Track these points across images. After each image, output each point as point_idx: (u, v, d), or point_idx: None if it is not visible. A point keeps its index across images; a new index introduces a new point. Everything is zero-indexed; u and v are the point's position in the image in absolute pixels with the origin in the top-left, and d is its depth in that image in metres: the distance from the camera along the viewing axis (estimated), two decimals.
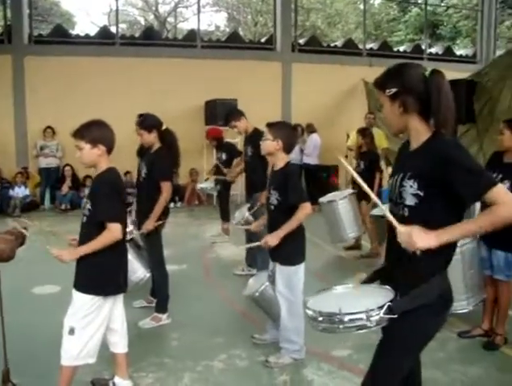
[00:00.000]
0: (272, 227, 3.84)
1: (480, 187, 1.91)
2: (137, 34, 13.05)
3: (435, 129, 2.09)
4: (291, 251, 3.70)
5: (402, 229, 2.00)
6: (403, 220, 2.09)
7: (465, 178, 1.92)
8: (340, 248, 7.32)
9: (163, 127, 4.60)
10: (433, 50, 15.03)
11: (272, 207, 3.78)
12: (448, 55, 14.29)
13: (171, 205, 11.13)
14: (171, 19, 25.16)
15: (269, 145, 3.79)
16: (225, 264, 6.64)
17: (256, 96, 11.12)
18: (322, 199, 6.69)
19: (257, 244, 3.91)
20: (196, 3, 19.77)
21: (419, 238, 1.92)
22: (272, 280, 3.89)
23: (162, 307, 4.69)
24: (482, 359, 4.01)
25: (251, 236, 5.63)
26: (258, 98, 11.08)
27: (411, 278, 2.08)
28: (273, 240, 3.65)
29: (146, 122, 4.57)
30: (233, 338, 4.36)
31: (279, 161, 3.81)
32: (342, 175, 10.76)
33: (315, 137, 10.86)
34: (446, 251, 2.07)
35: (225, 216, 7.64)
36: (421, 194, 2.04)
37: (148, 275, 4.45)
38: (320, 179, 10.63)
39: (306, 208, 3.65)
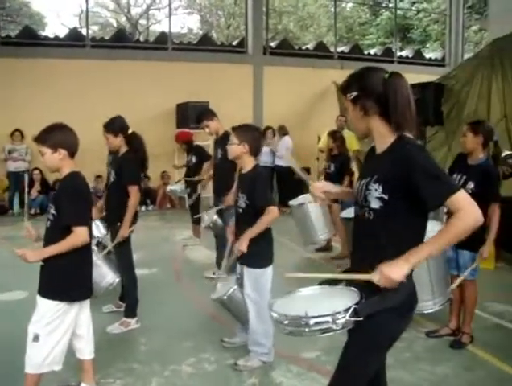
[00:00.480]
0: (241, 230, 3.83)
1: (442, 193, 1.93)
2: (108, 37, 12.92)
3: (397, 132, 2.11)
4: (258, 253, 3.69)
5: (375, 278, 1.97)
6: (368, 223, 2.12)
7: (428, 183, 1.94)
8: (311, 250, 7.35)
9: (130, 131, 4.56)
10: (403, 53, 15.21)
11: (240, 210, 3.78)
12: (418, 59, 14.49)
13: (143, 208, 11.17)
14: (143, 21, 25.01)
15: (235, 149, 3.78)
16: (195, 268, 6.61)
17: (227, 98, 11.11)
18: (292, 202, 6.72)
19: (233, 257, 3.87)
20: (168, 6, 19.79)
21: (392, 274, 1.92)
22: (240, 283, 3.88)
23: (131, 312, 4.64)
24: (449, 358, 4.06)
25: (221, 239, 5.63)
26: (229, 101, 11.07)
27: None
28: (242, 245, 3.64)
29: (112, 126, 4.53)
30: (203, 341, 4.34)
31: (247, 164, 3.80)
32: (314, 177, 10.81)
33: (287, 139, 10.90)
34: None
35: (196, 219, 7.60)
36: (385, 197, 2.05)
37: (118, 280, 4.41)
38: (291, 181, 10.64)
39: (273, 212, 3.65)
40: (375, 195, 2.08)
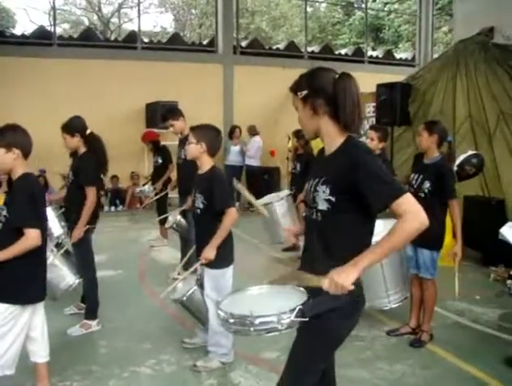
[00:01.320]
0: (199, 230, 3.82)
1: (387, 196, 1.94)
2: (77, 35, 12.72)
3: (345, 132, 2.12)
4: (218, 254, 3.67)
5: (325, 284, 1.96)
6: (316, 225, 2.13)
7: (374, 185, 1.95)
8: (277, 249, 7.36)
9: (88, 131, 4.51)
10: (374, 53, 15.33)
11: (198, 210, 3.75)
12: (389, 59, 14.61)
13: (112, 209, 11.05)
14: (115, 20, 24.73)
15: (193, 148, 3.76)
16: (161, 269, 6.55)
17: (198, 98, 11.06)
18: (259, 201, 6.69)
19: (197, 264, 3.84)
20: (140, 3, 19.59)
21: (342, 280, 1.91)
22: (200, 283, 3.86)
23: (91, 314, 4.59)
24: (408, 357, 4.11)
25: (185, 240, 5.61)
26: (199, 100, 11.03)
27: None
28: (209, 253, 3.62)
29: (69, 126, 4.46)
30: (163, 342, 4.31)
31: (204, 164, 3.78)
32: (284, 177, 10.84)
33: (257, 139, 10.91)
34: (356, 255, 2.09)
35: (163, 220, 7.55)
36: (332, 199, 2.06)
37: (77, 281, 4.39)
38: (261, 181, 10.67)
39: (232, 213, 3.64)
40: (323, 197, 2.08)
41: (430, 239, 4.07)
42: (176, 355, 4.09)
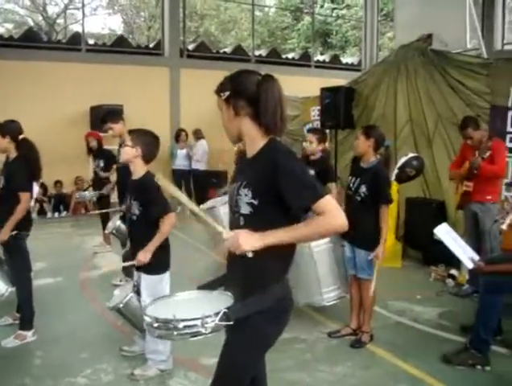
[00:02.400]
0: (135, 236, 3.75)
1: (308, 198, 1.94)
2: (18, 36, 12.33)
3: (266, 135, 2.10)
4: (154, 259, 3.60)
5: (227, 234, 1.99)
6: (239, 229, 2.08)
7: (294, 188, 1.95)
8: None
9: (22, 136, 4.36)
10: (321, 58, 15.53)
11: (134, 217, 3.65)
12: (335, 63, 14.81)
13: (56, 215, 10.76)
14: (61, 21, 24.12)
15: (127, 151, 3.67)
16: (104, 275, 6.41)
17: (143, 101, 10.93)
18: (203, 206, 6.64)
19: (131, 263, 3.76)
20: (87, 5, 19.20)
21: (243, 241, 1.92)
22: (137, 290, 3.78)
23: (26, 324, 4.42)
24: (348, 358, 4.14)
25: (125, 245, 5.49)
26: (145, 104, 10.90)
27: (248, 285, 2.09)
28: (145, 256, 3.55)
29: (1, 127, 4.31)
30: (102, 351, 4.20)
31: (138, 169, 3.69)
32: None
33: (204, 142, 10.85)
34: (281, 258, 2.10)
35: (106, 225, 7.39)
36: (255, 202, 2.04)
37: (10, 290, 4.23)
38: (208, 185, 10.60)
39: (170, 219, 3.58)
40: (245, 201, 2.06)
41: (366, 240, 4.14)
42: (114, 363, 3.98)
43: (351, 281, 4.46)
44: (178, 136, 10.94)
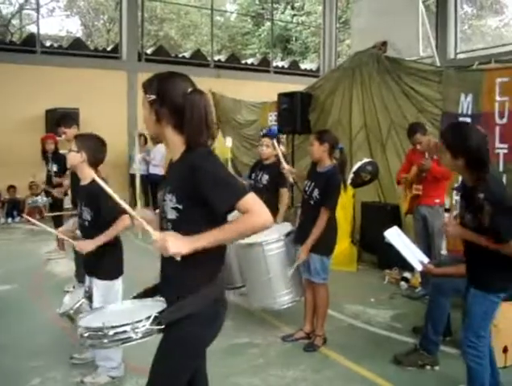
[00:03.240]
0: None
1: (230, 197, 1.95)
2: None
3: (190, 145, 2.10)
4: (107, 265, 3.57)
5: (156, 236, 1.99)
6: None
7: (216, 189, 1.96)
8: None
9: None
10: (280, 63, 15.64)
11: (86, 223, 3.60)
12: (294, 69, 14.93)
13: (9, 220, 10.49)
14: (16, 21, 23.56)
15: (73, 156, 3.61)
16: (57, 281, 6.28)
17: (101, 105, 10.78)
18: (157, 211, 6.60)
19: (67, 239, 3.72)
20: (44, 5, 18.84)
21: (172, 244, 1.92)
22: (89, 296, 3.71)
23: None
24: (301, 362, 4.16)
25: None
26: (102, 108, 10.75)
27: (179, 288, 2.09)
28: (88, 245, 3.51)
29: None
30: (52, 359, 4.11)
31: (86, 175, 3.63)
32: None
33: (161, 147, 10.75)
34: (211, 260, 2.10)
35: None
36: (180, 207, 2.04)
37: None
38: None
39: (124, 221, 3.53)
40: (170, 206, 2.07)
41: (319, 244, 4.17)
42: (64, 371, 3.90)
43: (305, 284, 4.49)
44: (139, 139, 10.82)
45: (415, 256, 4.23)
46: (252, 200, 1.96)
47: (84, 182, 3.65)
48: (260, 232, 1.97)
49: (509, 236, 2.93)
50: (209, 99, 2.15)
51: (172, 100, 2.07)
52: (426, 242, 5.55)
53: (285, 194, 5.26)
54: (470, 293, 3.23)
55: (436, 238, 5.43)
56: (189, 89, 2.08)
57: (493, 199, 2.91)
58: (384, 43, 7.60)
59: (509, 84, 5.49)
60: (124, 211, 3.58)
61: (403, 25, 7.64)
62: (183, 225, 2.03)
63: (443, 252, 5.55)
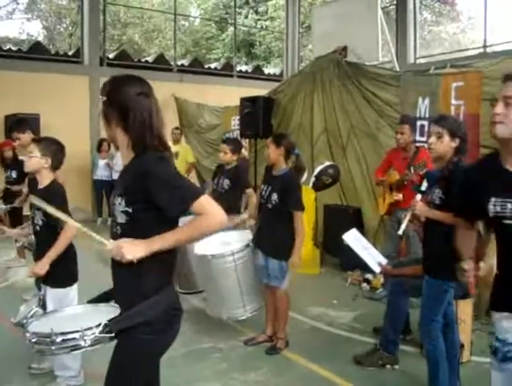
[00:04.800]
0: (40, 248, 3.63)
1: (182, 200, 1.96)
2: None
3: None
4: (59, 273, 3.50)
5: (110, 245, 1.99)
6: (118, 238, 2.07)
7: (166, 192, 1.95)
8: None
9: None
10: (243, 68, 15.67)
11: (38, 227, 3.55)
12: (258, 74, 14.98)
13: None
14: None
15: (36, 162, 3.55)
16: (16, 290, 6.15)
17: (62, 111, 10.59)
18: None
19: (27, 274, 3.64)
20: (2, 7, 18.42)
21: (127, 250, 1.92)
22: (42, 304, 3.64)
23: None
24: (263, 365, 4.18)
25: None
26: (64, 113, 10.57)
27: (131, 295, 2.07)
28: (41, 268, 3.45)
29: None
30: (9, 370, 4.01)
31: (45, 179, 3.58)
32: None
33: None
34: (162, 266, 2.09)
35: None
36: (129, 210, 2.03)
37: None
38: None
39: (67, 233, 3.44)
40: (120, 209, 2.06)
41: (278, 249, 4.19)
42: (22, 382, 3.83)
43: (265, 289, 4.50)
44: (100, 146, 10.70)
45: (373, 257, 4.32)
46: (206, 201, 1.96)
47: (41, 185, 3.59)
48: (215, 233, 1.98)
49: None
50: (157, 102, 2.13)
51: (120, 102, 2.06)
52: (395, 244, 5.61)
53: (251, 194, 5.25)
54: (424, 280, 3.44)
55: (412, 240, 5.35)
56: (138, 90, 2.08)
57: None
58: (344, 48, 7.71)
59: (465, 89, 5.65)
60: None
61: (363, 30, 7.75)
62: (133, 229, 2.02)
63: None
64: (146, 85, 2.14)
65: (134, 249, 1.93)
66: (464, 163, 3.32)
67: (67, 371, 3.64)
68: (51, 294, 3.56)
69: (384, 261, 4.29)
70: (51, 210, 2.08)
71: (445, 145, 3.33)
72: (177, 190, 1.97)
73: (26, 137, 5.37)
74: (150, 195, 1.96)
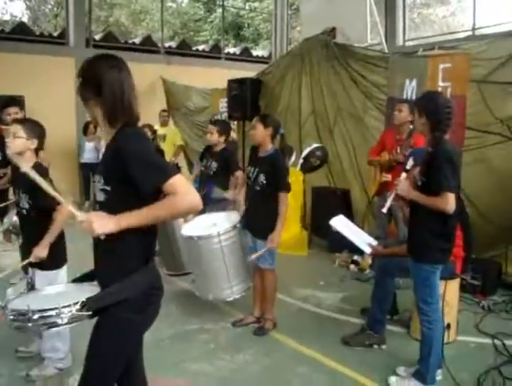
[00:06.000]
0: (27, 231, 3.60)
1: (156, 179, 1.93)
2: None
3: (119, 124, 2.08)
4: (49, 254, 3.46)
5: (81, 217, 1.96)
6: None
7: (141, 169, 1.93)
8: None
9: None
10: (231, 50, 15.55)
11: (24, 211, 3.50)
12: (246, 56, 14.87)
13: None
14: None
15: (22, 143, 3.48)
16: (4, 274, 6.11)
17: (47, 92, 10.46)
18: None
19: (28, 260, 3.60)
20: None
21: (97, 224, 1.90)
22: (31, 287, 3.62)
23: None
24: (251, 346, 4.20)
25: None
26: (49, 95, 10.44)
27: (109, 273, 2.07)
28: (41, 252, 3.42)
29: None
30: None
31: (28, 161, 3.52)
32: None
33: None
34: (140, 243, 2.08)
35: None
36: (108, 188, 2.03)
37: None
38: None
39: (61, 212, 3.43)
40: (99, 187, 2.06)
41: (266, 230, 4.18)
42: (9, 365, 3.80)
43: (253, 270, 4.50)
44: (86, 128, 10.58)
45: (363, 239, 4.33)
46: (180, 182, 1.93)
47: (23, 168, 3.53)
48: (188, 214, 1.97)
49: (445, 186, 3.19)
50: (131, 78, 2.11)
51: (93, 76, 2.05)
52: (385, 227, 5.63)
53: (239, 176, 5.23)
54: (411, 264, 3.47)
55: (400, 223, 5.32)
56: (110, 65, 2.06)
57: (437, 155, 3.25)
58: (333, 30, 7.63)
59: (452, 70, 5.63)
60: (60, 201, 3.52)
61: (352, 12, 7.68)
62: (111, 207, 2.00)
63: None
64: (120, 61, 2.12)
65: (103, 224, 1.90)
66: (447, 145, 3.33)
67: (55, 353, 3.63)
68: (41, 277, 3.53)
69: (374, 242, 4.31)
70: (44, 185, 2.05)
71: (417, 124, 3.46)
72: (151, 167, 1.94)
73: (21, 116, 5.30)
74: (125, 173, 1.94)
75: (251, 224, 4.32)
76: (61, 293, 2.19)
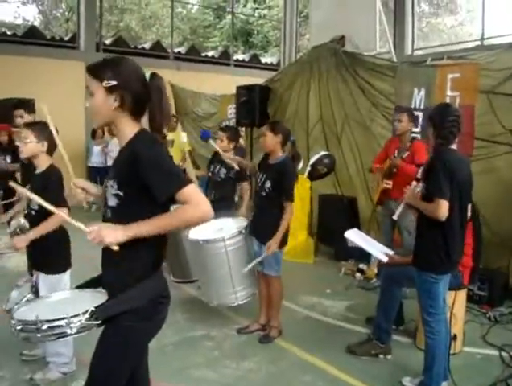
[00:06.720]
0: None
1: (169, 187, 1.93)
2: None
3: (137, 128, 2.09)
4: (53, 258, 3.50)
5: (89, 229, 1.95)
6: (108, 222, 2.05)
7: (155, 176, 1.93)
8: None
9: None
10: (240, 56, 15.60)
11: (33, 212, 3.52)
12: (255, 63, 14.92)
13: None
14: None
15: (33, 147, 3.51)
16: (10, 277, 6.12)
17: (57, 96, 10.52)
18: None
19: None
20: None
21: (106, 233, 1.90)
22: (35, 291, 3.63)
23: None
24: (256, 353, 4.19)
25: None
26: (59, 99, 10.48)
27: (118, 282, 2.06)
28: (20, 243, 3.42)
29: None
30: (1, 357, 3.98)
31: (42, 163, 3.54)
32: None
33: None
34: (150, 252, 2.08)
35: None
36: (121, 194, 2.01)
37: None
38: None
39: (56, 218, 3.40)
40: (111, 192, 2.04)
41: (271, 236, 4.16)
42: (14, 369, 3.80)
43: (259, 277, 4.50)
44: (94, 132, 10.64)
45: (378, 249, 4.32)
46: (192, 191, 1.93)
47: (39, 170, 3.56)
48: (198, 224, 1.97)
49: (437, 193, 3.24)
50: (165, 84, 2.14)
51: (134, 86, 2.04)
52: (390, 236, 5.61)
53: (245, 187, 5.24)
54: (415, 274, 3.48)
55: (404, 232, 5.37)
56: (146, 74, 2.07)
57: (434, 163, 3.33)
58: (342, 38, 7.64)
59: (461, 80, 5.63)
60: (62, 205, 3.51)
61: (361, 20, 7.69)
62: (123, 213, 2.01)
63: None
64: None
65: (112, 234, 1.90)
66: (448, 154, 3.36)
67: (60, 357, 3.63)
68: (44, 280, 3.55)
69: (390, 251, 4.28)
70: (40, 201, 2.07)
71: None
72: (165, 176, 1.94)
73: (31, 119, 5.34)
74: (139, 179, 1.94)
75: (257, 230, 4.32)
76: (67, 301, 2.16)
